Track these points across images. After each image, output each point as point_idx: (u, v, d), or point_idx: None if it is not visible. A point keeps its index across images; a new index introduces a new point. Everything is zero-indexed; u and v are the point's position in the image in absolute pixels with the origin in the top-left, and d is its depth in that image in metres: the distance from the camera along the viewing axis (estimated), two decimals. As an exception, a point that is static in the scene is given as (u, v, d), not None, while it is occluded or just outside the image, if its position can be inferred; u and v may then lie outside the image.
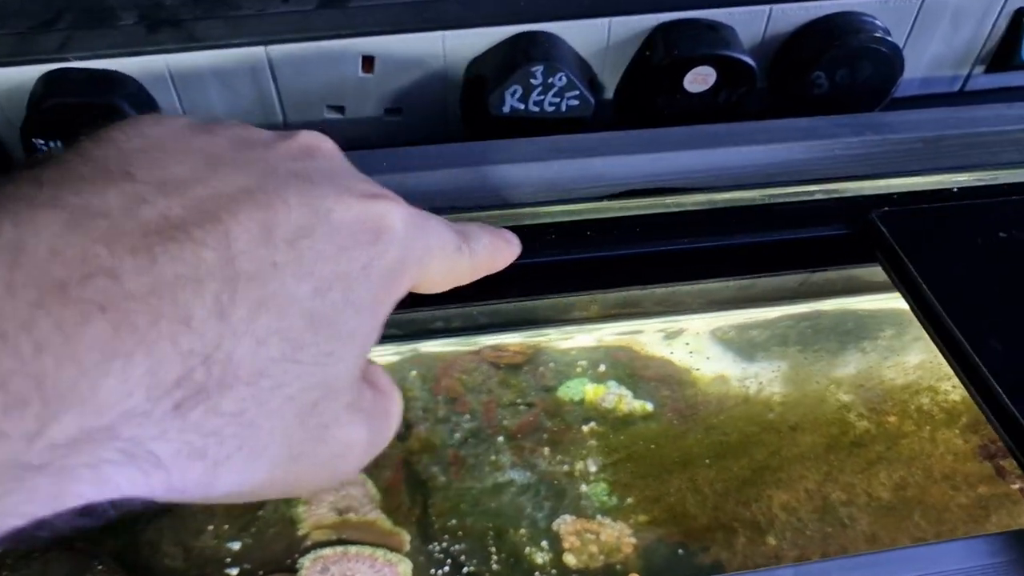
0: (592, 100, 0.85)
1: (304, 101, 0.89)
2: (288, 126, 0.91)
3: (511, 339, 1.32)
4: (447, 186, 0.75)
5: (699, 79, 0.85)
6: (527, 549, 1.14)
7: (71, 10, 0.77)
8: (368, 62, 0.87)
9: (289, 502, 1.07)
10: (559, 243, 0.77)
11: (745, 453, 1.02)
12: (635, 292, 0.87)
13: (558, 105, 0.85)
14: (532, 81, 0.84)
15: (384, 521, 1.03)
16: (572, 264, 0.78)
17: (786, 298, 1.06)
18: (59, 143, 0.83)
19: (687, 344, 1.36)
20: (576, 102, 0.85)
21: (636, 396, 1.25)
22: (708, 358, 1.30)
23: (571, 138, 0.80)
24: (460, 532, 1.15)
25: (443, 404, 1.26)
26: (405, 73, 0.88)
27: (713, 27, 0.86)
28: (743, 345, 1.30)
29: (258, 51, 0.84)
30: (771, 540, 0.99)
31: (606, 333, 1.30)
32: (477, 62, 0.87)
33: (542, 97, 0.84)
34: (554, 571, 1.12)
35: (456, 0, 0.85)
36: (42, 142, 0.83)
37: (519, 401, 1.26)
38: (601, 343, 1.35)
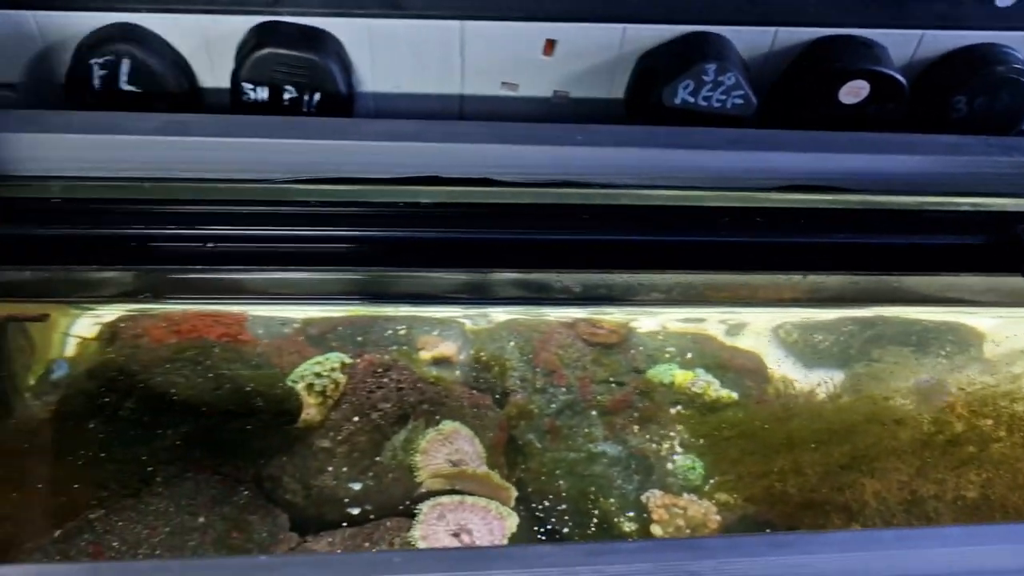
0: (755, 101, 0.92)
1: (483, 75, 0.95)
2: (463, 98, 0.97)
3: (597, 313, 1.38)
4: (630, 163, 0.81)
5: (853, 91, 0.92)
6: (616, 518, 1.21)
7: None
8: (550, 45, 0.93)
9: (407, 450, 1.13)
10: (720, 227, 0.84)
11: (843, 440, 1.09)
12: (778, 277, 0.93)
13: (724, 103, 0.91)
14: (704, 78, 0.90)
15: (495, 476, 1.09)
16: (729, 247, 0.85)
17: (916, 301, 1.12)
18: (266, 90, 0.90)
19: (788, 335, 1.44)
20: (740, 101, 0.91)
21: (723, 385, 1.31)
22: (807, 353, 1.38)
23: (745, 132, 0.87)
24: (554, 495, 1.22)
25: (541, 376, 1.32)
26: (581, 59, 0.94)
27: (869, 45, 0.92)
28: (856, 343, 1.38)
29: (454, 24, 0.91)
30: (856, 526, 1.05)
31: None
32: (651, 55, 0.93)
33: (711, 93, 0.91)
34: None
35: (641, -2, 0.91)
36: (251, 87, 0.89)
37: (612, 379, 1.33)
38: (686, 331, 1.42)
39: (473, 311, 1.41)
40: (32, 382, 1.13)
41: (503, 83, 0.95)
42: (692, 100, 0.91)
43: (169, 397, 1.03)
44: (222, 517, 0.97)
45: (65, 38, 0.88)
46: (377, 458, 1.14)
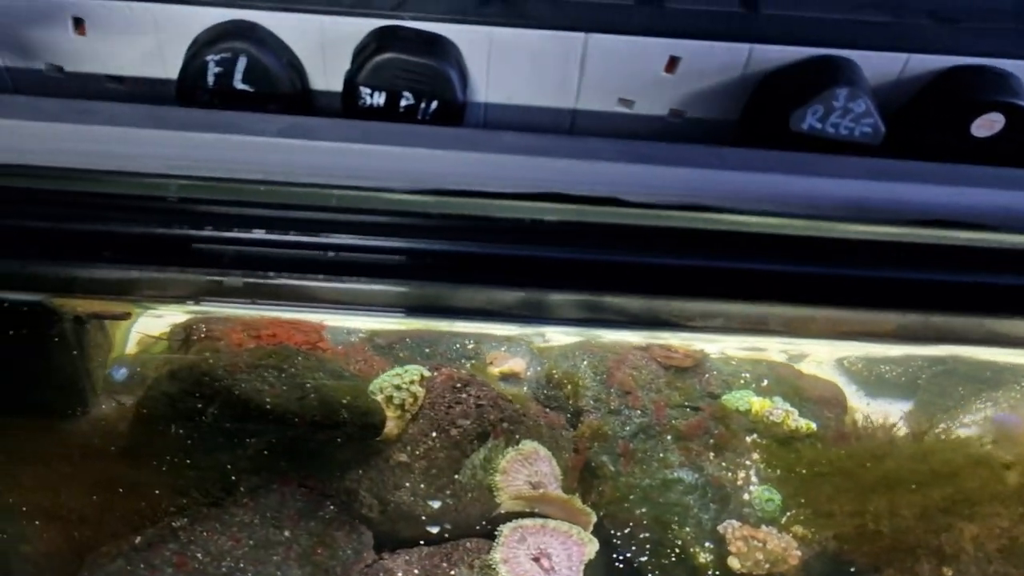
0: (883, 129, 0.89)
1: (599, 91, 0.92)
2: (576, 113, 0.95)
3: (653, 338, 1.35)
4: (760, 190, 0.78)
5: (986, 124, 0.89)
6: (693, 548, 1.18)
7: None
8: (673, 62, 0.90)
9: (486, 469, 1.10)
10: (863, 260, 0.81)
11: (944, 483, 1.06)
12: (912, 318, 0.90)
13: (852, 130, 0.88)
14: (834, 103, 0.87)
15: (577, 501, 1.06)
16: (873, 282, 0.82)
17: (995, 341, 1.09)
18: (384, 95, 0.87)
19: (852, 366, 1.42)
20: (868, 129, 0.88)
21: (801, 414, 1.28)
22: (887, 386, 1.35)
23: (879, 162, 0.84)
24: (629, 522, 1.19)
25: (616, 396, 1.29)
26: (702, 78, 0.91)
27: (1005, 76, 0.89)
28: (924, 375, 1.35)
29: (578, 36, 0.88)
30: (949, 572, 1.02)
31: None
32: (777, 77, 0.90)
33: (839, 120, 0.88)
34: (717, 572, 1.16)
35: (768, 18, 0.88)
36: (368, 91, 0.86)
37: (687, 403, 1.30)
38: (763, 357, 1.39)
39: (543, 329, 1.38)
40: (111, 381, 1.11)
41: (619, 99, 0.92)
42: (820, 126, 0.88)
43: (253, 404, 1.00)
44: (307, 532, 0.94)
45: (181, 33, 0.85)
46: (456, 476, 1.11)
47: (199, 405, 1.01)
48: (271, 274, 0.83)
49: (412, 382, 1.17)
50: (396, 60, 0.85)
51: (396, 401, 1.15)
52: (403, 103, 0.87)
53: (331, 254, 0.78)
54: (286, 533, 0.93)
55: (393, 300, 0.87)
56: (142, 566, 0.88)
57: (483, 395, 1.17)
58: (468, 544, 1.03)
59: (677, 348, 1.35)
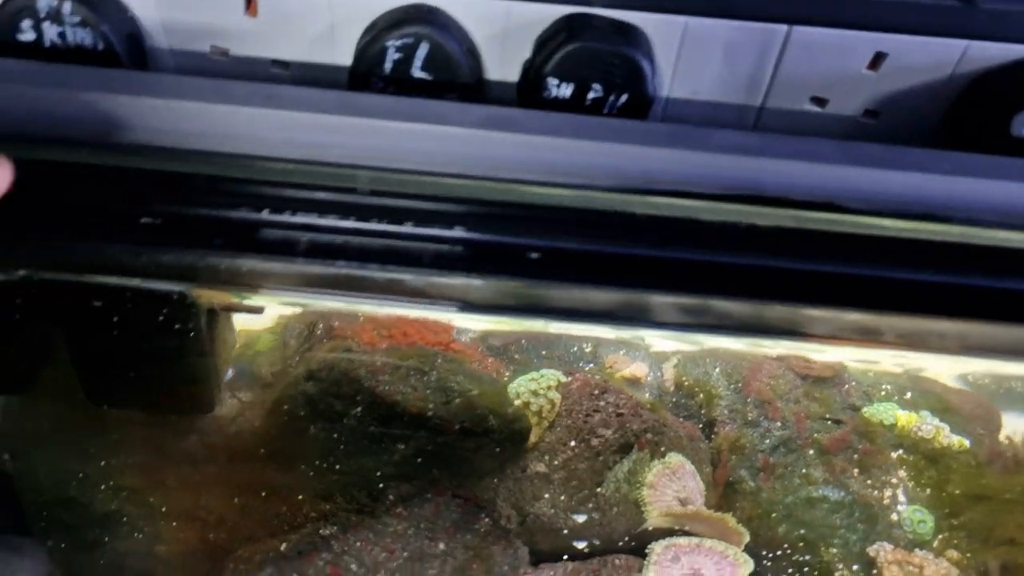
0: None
1: (792, 88, 0.86)
2: (762, 111, 0.89)
3: (756, 345, 1.29)
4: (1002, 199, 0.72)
5: None
6: (841, 571, 1.12)
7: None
8: (878, 58, 0.84)
9: (632, 483, 1.05)
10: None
11: None
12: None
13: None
14: (1060, 108, 0.80)
15: (731, 519, 1.01)
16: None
17: None
18: (571, 87, 0.81)
19: (978, 381, 1.34)
20: (1092, 138, 0.82)
21: (952, 430, 1.21)
22: None
23: None
24: (772, 540, 1.13)
25: (753, 407, 1.23)
26: (906, 76, 0.85)
27: None
28: None
29: (780, 29, 0.82)
30: None
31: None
32: (994, 77, 0.83)
33: (1064, 126, 0.81)
34: (869, 597, 1.10)
35: (988, 13, 0.81)
36: (556, 82, 0.81)
37: (828, 416, 1.23)
38: (905, 369, 1.32)
39: (668, 334, 1.32)
40: (241, 378, 1.07)
41: (812, 98, 0.86)
42: (1042, 131, 0.81)
43: (399, 407, 0.96)
44: (463, 545, 0.90)
45: (356, 17, 0.80)
46: (599, 489, 1.05)
47: (340, 407, 0.97)
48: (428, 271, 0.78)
49: (549, 388, 1.12)
50: (588, 50, 0.79)
51: (533, 408, 1.10)
52: (591, 95, 0.82)
53: (533, 255, 0.73)
54: (441, 545, 0.88)
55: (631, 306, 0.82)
56: (295, 575, 0.83)
57: (622, 403, 1.11)
58: (616, 561, 0.97)
59: (814, 359, 1.29)
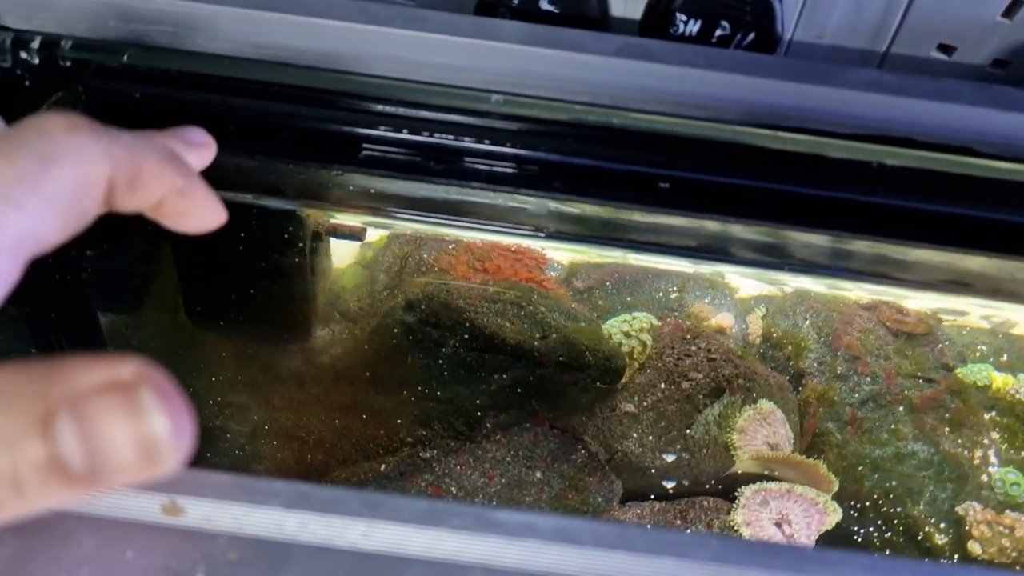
0: None
1: (919, 34, 0.84)
2: (886, 57, 0.87)
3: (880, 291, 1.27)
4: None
5: None
6: (927, 527, 1.12)
7: None
8: (1014, 6, 0.81)
9: (721, 426, 1.05)
10: None
11: None
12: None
13: None
14: None
15: (822, 465, 1.00)
16: None
17: None
18: (699, 23, 0.80)
19: None
20: None
21: (1050, 395, 1.19)
22: None
23: None
24: (859, 493, 1.13)
25: (842, 361, 1.22)
26: (1043, 24, 0.82)
27: None
28: None
29: (914, -28, 0.80)
30: None
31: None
32: None
33: None
34: (955, 555, 1.10)
35: None
36: (684, 18, 0.80)
37: (919, 374, 1.22)
38: (1003, 331, 1.29)
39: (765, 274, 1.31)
40: (344, 304, 1.09)
41: (939, 45, 0.84)
42: None
43: (497, 339, 0.97)
44: (560, 475, 0.91)
45: (487, -54, 0.80)
46: (688, 431, 1.06)
47: (438, 336, 0.98)
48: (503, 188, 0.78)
49: (641, 329, 1.12)
50: (703, -8, 0.78)
51: (624, 348, 1.10)
52: (718, 33, 0.81)
53: (664, 185, 0.73)
54: (538, 474, 0.90)
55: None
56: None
57: (714, 348, 1.11)
58: (704, 503, 0.98)
59: (909, 311, 1.27)
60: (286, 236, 0.97)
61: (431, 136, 0.72)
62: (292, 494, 0.43)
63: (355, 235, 1.09)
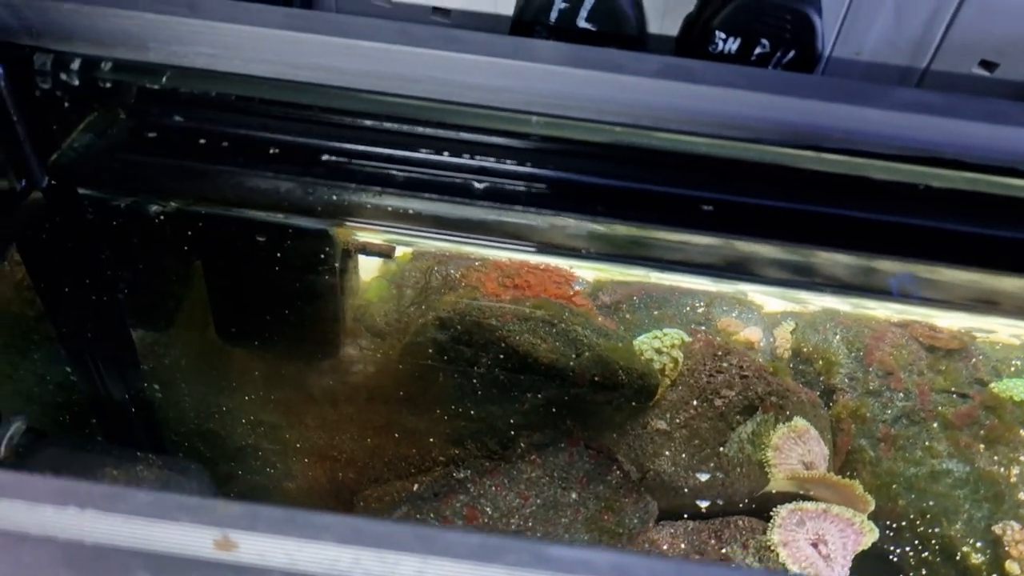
0: None
1: (961, 51, 0.83)
2: (926, 74, 0.86)
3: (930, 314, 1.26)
4: None
5: None
6: (963, 547, 1.10)
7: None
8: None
9: (755, 444, 1.04)
10: None
11: None
12: None
13: None
14: None
15: (858, 485, 0.99)
16: None
17: None
18: (738, 41, 0.80)
19: None
20: None
21: (1087, 411, 1.17)
22: None
23: None
24: (893, 512, 1.11)
25: (875, 377, 1.21)
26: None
27: None
28: None
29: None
30: None
31: None
32: None
33: None
34: (992, 575, 1.08)
35: None
36: (723, 36, 0.79)
37: (953, 389, 1.21)
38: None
39: (792, 293, 1.30)
40: (373, 321, 1.08)
41: (981, 61, 0.83)
42: None
43: (530, 358, 0.96)
44: (595, 496, 0.90)
45: (523, -36, 0.79)
46: (721, 449, 1.05)
47: (470, 354, 0.98)
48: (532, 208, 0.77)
49: (672, 346, 1.11)
50: (760, 3, 0.78)
51: (656, 365, 1.10)
52: (757, 50, 0.80)
53: (707, 207, 0.72)
54: (574, 495, 0.89)
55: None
56: (432, 516, 0.85)
57: (746, 365, 1.10)
58: (740, 522, 0.97)
59: (942, 328, 1.25)
60: (316, 254, 0.96)
61: (472, 158, 0.71)
62: (345, 529, 0.42)
63: (384, 253, 1.08)
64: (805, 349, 1.26)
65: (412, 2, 0.84)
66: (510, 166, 0.71)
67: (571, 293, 1.12)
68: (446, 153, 0.71)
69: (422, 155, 0.72)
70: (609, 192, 0.72)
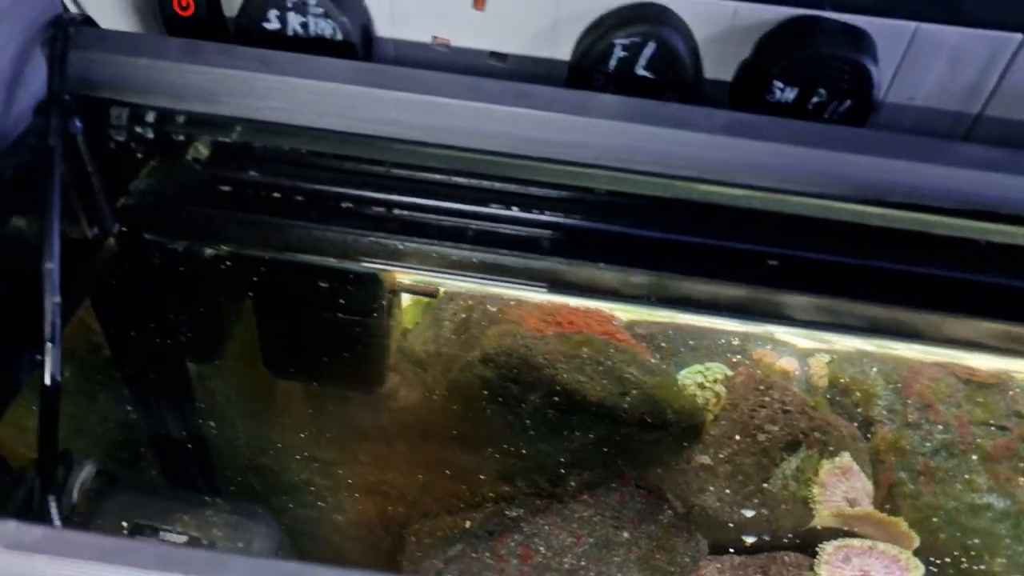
0: None
1: (1015, 98, 0.84)
2: (978, 120, 0.87)
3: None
4: None
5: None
6: (1006, 581, 1.11)
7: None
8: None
9: (799, 480, 1.05)
10: None
11: None
12: None
13: None
14: None
15: (902, 523, 1.00)
16: None
17: None
18: (795, 91, 0.81)
19: None
20: None
21: None
22: None
23: None
24: (933, 546, 1.12)
25: (914, 409, 1.22)
26: None
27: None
28: None
29: (1013, 37, 0.80)
30: None
31: None
32: None
33: None
34: (1037, 610, 1.09)
35: None
36: (781, 85, 0.81)
37: (992, 422, 1.21)
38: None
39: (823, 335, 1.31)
40: (419, 357, 1.09)
41: (1038, 123, 0.84)
42: None
43: (578, 396, 0.97)
44: (647, 535, 0.91)
45: (583, 13, 0.81)
46: (765, 484, 1.06)
47: (518, 392, 0.99)
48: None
49: (715, 381, 1.12)
50: (819, 54, 0.79)
51: (699, 400, 1.11)
52: (814, 99, 0.81)
53: (773, 262, 0.73)
54: (626, 534, 0.90)
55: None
56: (487, 554, 0.86)
57: (788, 400, 1.11)
58: (786, 558, 0.98)
59: (979, 368, 1.26)
60: (364, 293, 0.98)
61: (541, 213, 0.72)
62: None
63: (429, 293, 1.10)
64: (842, 380, 1.27)
65: (470, 46, 0.85)
66: (576, 220, 0.72)
67: (613, 329, 1.13)
68: (515, 208, 0.73)
69: (492, 210, 0.73)
70: (673, 247, 0.73)
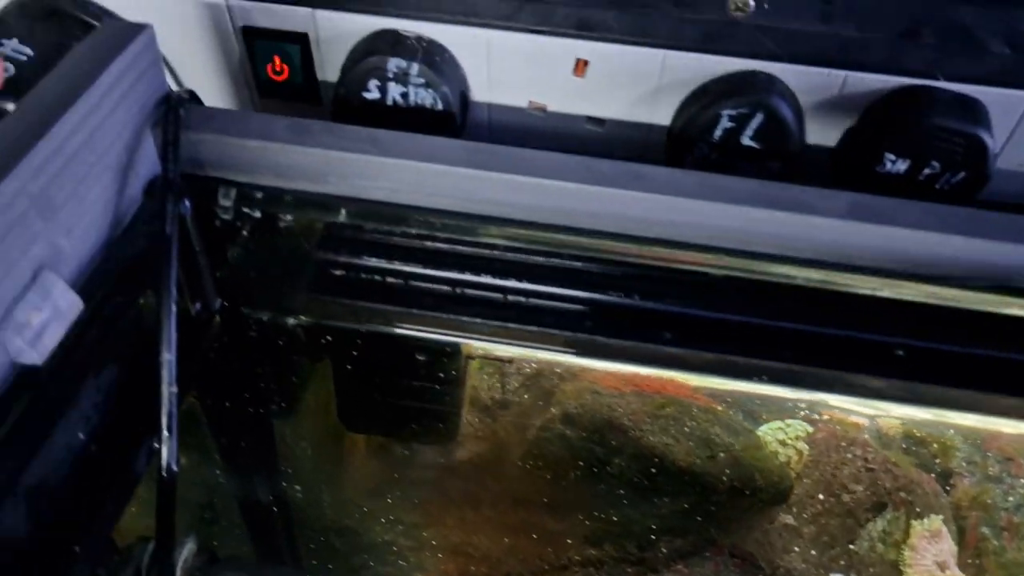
0: None
1: None
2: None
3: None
4: None
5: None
6: (1094, 643, 1.08)
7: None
8: None
9: (887, 542, 1.03)
10: None
11: None
12: None
13: None
14: None
15: (994, 589, 0.97)
16: None
17: None
18: (907, 162, 0.79)
19: None
20: None
21: None
22: None
23: None
24: (1021, 606, 1.09)
25: (995, 462, 1.19)
26: None
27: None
28: None
29: None
30: None
31: None
32: None
33: None
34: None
35: None
36: (893, 157, 0.79)
37: (1075, 477, 1.19)
38: None
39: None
40: (487, 420, 1.08)
41: None
42: None
43: (666, 460, 0.95)
44: (742, 607, 0.89)
45: (687, 80, 0.80)
46: (851, 546, 1.04)
47: (602, 454, 0.97)
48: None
49: (797, 438, 1.10)
50: (935, 126, 0.77)
51: (781, 458, 1.08)
52: (926, 171, 0.79)
53: (900, 352, 0.71)
54: (721, 606, 0.88)
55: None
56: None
57: (871, 457, 1.09)
58: (878, 625, 0.96)
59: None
60: (446, 363, 0.96)
61: (660, 302, 0.71)
62: None
63: (502, 360, 1.09)
64: (917, 432, 1.25)
65: (566, 111, 0.83)
66: (693, 311, 0.71)
67: (692, 389, 1.11)
68: (636, 296, 0.71)
69: (615, 299, 0.71)
70: (797, 337, 0.71)
